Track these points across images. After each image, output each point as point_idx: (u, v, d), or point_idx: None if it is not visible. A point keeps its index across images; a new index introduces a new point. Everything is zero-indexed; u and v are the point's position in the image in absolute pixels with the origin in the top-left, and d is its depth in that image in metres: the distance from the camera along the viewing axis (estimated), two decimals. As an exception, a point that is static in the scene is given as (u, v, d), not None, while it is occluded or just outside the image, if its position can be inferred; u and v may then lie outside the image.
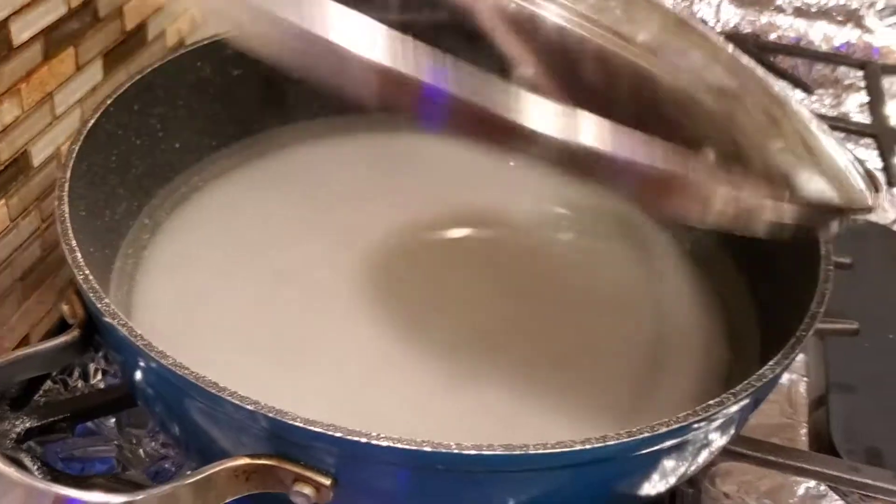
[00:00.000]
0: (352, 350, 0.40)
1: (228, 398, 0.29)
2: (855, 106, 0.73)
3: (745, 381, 0.33)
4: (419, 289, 0.41)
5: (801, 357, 0.55)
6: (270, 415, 0.29)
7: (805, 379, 0.54)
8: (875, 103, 0.68)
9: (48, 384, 0.46)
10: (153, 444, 0.46)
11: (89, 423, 0.46)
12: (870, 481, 0.42)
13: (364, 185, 0.47)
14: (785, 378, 0.55)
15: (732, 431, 0.36)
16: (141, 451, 0.46)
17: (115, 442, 0.46)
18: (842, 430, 0.48)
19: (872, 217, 0.66)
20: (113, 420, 0.47)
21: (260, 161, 0.48)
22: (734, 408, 0.33)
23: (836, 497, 0.47)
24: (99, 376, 0.48)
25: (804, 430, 0.51)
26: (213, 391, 0.29)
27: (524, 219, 0.45)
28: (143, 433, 0.47)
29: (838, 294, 0.57)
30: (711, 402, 0.32)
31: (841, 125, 0.67)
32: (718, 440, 0.36)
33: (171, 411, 0.33)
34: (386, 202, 0.45)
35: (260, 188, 0.46)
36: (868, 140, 0.66)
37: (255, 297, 0.42)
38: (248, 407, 0.29)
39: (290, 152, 0.50)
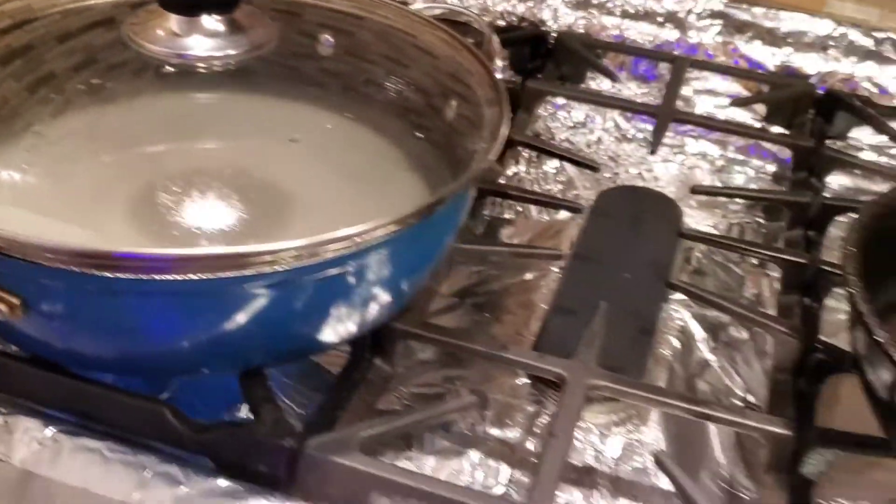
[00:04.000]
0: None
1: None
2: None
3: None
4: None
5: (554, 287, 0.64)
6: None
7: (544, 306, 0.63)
8: (670, 88, 0.77)
9: None
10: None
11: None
12: (517, 358, 0.51)
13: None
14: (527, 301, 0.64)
15: (392, 266, 0.45)
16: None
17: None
18: (548, 341, 0.57)
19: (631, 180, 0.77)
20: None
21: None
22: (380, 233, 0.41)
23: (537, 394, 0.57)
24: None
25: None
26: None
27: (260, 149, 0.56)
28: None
29: (589, 236, 0.68)
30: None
31: (626, 104, 0.77)
32: (378, 272, 0.44)
33: None
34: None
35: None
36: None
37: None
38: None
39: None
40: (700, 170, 0.81)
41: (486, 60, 0.53)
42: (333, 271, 0.43)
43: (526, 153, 0.80)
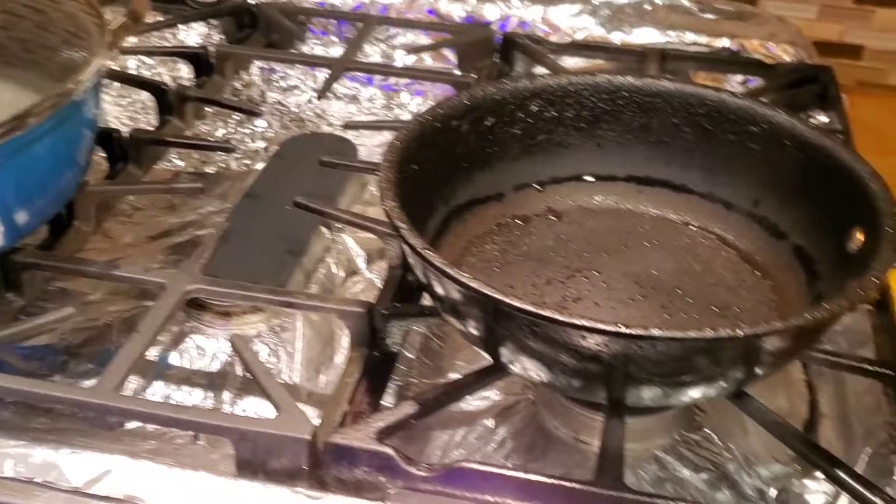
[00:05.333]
0: None
1: None
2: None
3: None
4: None
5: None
6: None
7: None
8: (351, 43, 0.84)
9: None
10: None
11: None
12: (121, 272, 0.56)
13: None
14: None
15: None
16: None
17: None
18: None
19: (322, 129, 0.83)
20: None
21: None
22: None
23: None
24: None
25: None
26: None
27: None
28: None
29: (264, 177, 0.73)
30: None
31: (305, 59, 0.84)
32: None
33: None
34: None
35: None
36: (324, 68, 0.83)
37: None
38: None
39: None
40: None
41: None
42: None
43: (235, 116, 0.86)
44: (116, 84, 0.88)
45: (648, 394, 0.45)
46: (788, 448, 0.50)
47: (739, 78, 0.87)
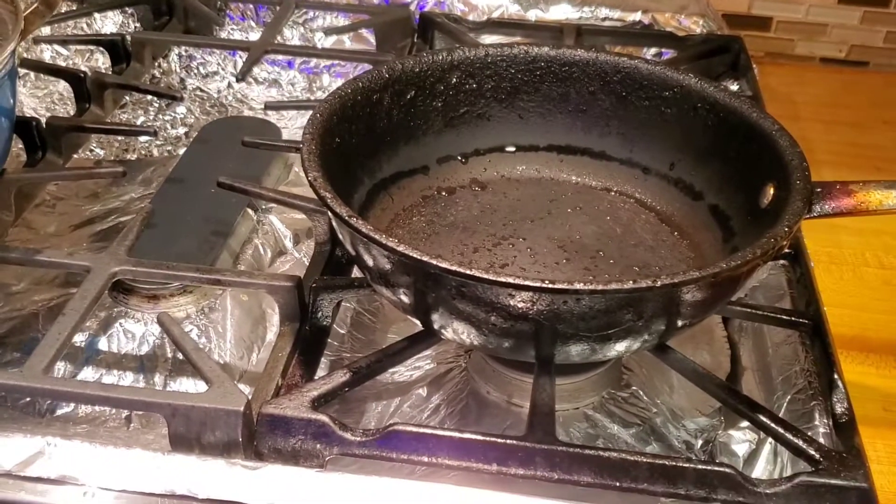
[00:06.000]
0: None
1: None
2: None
3: None
4: None
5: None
6: None
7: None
8: (269, 26, 0.83)
9: None
10: None
11: None
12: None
13: None
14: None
15: None
16: None
17: None
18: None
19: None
20: None
21: None
22: None
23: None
24: None
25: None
26: None
27: None
28: None
29: (186, 162, 0.72)
30: None
31: (222, 43, 0.83)
32: None
33: None
34: None
35: None
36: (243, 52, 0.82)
37: None
38: None
39: None
40: (322, 101, 0.88)
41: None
42: None
43: (155, 103, 0.85)
44: (32, 76, 0.87)
45: (576, 349, 0.46)
46: (712, 397, 0.52)
47: (653, 51, 0.89)
